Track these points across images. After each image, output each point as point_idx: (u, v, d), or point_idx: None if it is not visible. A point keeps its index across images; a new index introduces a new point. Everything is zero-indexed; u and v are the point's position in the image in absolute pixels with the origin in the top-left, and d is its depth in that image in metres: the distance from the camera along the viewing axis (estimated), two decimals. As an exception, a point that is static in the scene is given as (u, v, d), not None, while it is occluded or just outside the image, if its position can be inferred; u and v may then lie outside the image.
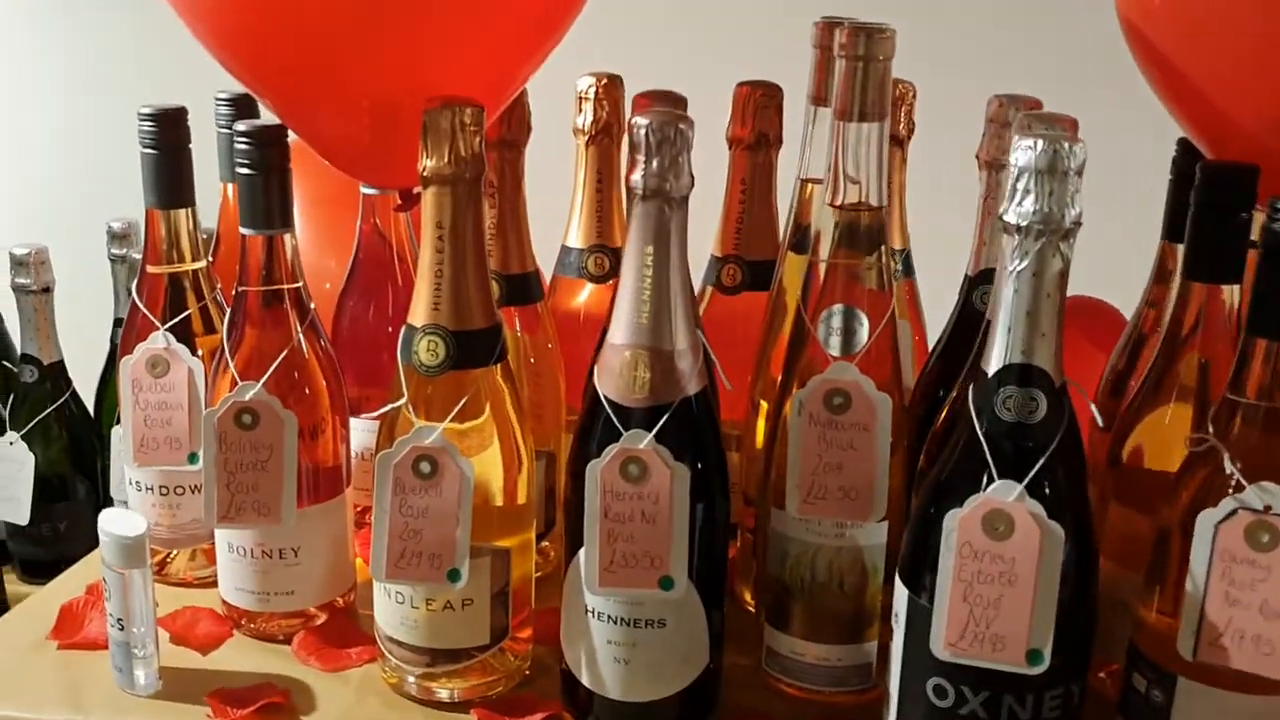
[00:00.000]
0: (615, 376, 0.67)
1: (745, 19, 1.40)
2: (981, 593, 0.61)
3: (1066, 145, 0.56)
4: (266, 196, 0.75)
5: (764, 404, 0.80)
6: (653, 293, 0.66)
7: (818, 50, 0.78)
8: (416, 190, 0.78)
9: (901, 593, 0.65)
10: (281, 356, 0.76)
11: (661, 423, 0.66)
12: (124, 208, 1.33)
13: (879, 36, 0.67)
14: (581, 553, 0.68)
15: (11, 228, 1.38)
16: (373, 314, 0.91)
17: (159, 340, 0.82)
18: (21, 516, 1.22)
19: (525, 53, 0.75)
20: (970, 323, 0.78)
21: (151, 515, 0.85)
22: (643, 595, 0.68)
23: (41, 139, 1.81)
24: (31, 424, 1.23)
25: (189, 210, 0.83)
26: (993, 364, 0.61)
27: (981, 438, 0.61)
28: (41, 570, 1.26)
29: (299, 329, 0.77)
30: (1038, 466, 0.59)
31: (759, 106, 0.84)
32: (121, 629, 0.74)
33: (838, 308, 0.70)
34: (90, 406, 1.32)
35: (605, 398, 0.68)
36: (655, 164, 0.64)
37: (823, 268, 0.71)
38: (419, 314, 0.70)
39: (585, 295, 0.91)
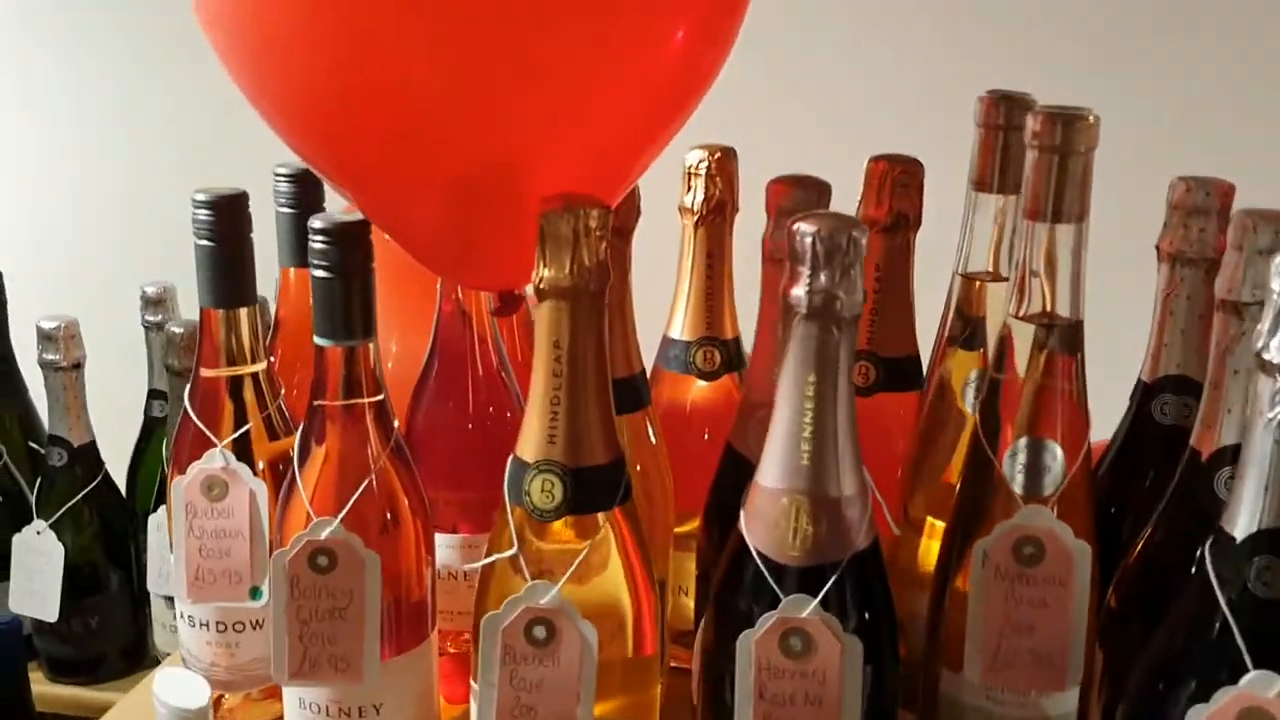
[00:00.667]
0: (770, 527, 0.57)
1: (853, 85, 1.30)
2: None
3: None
4: (347, 303, 0.64)
5: (931, 520, 0.70)
6: (815, 429, 0.55)
7: (981, 129, 0.67)
8: (518, 292, 0.68)
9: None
10: (363, 487, 0.66)
11: (829, 586, 0.56)
12: (155, 270, 1.24)
13: (1080, 124, 0.56)
14: (726, 735, 0.58)
15: (37, 294, 1.28)
16: (453, 409, 0.80)
17: (216, 459, 0.72)
18: (50, 613, 1.12)
19: (649, 138, 0.64)
20: (1147, 436, 0.68)
21: (206, 654, 0.75)
22: (803, 789, 0.57)
23: (65, 200, 1.71)
24: (61, 512, 1.13)
25: (251, 308, 0.73)
26: (1240, 527, 0.50)
27: (1228, 614, 0.50)
28: (72, 669, 1.16)
29: (383, 452, 0.67)
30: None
31: (897, 184, 0.73)
32: (178, 808, 0.63)
33: (1029, 440, 0.59)
34: (122, 486, 1.22)
35: (757, 551, 0.57)
36: (824, 278, 0.53)
37: (1008, 387, 0.60)
38: (530, 447, 0.59)
39: (693, 393, 0.81)
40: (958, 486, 0.63)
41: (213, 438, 0.72)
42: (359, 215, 0.64)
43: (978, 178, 0.68)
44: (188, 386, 0.74)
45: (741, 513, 0.59)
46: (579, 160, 0.61)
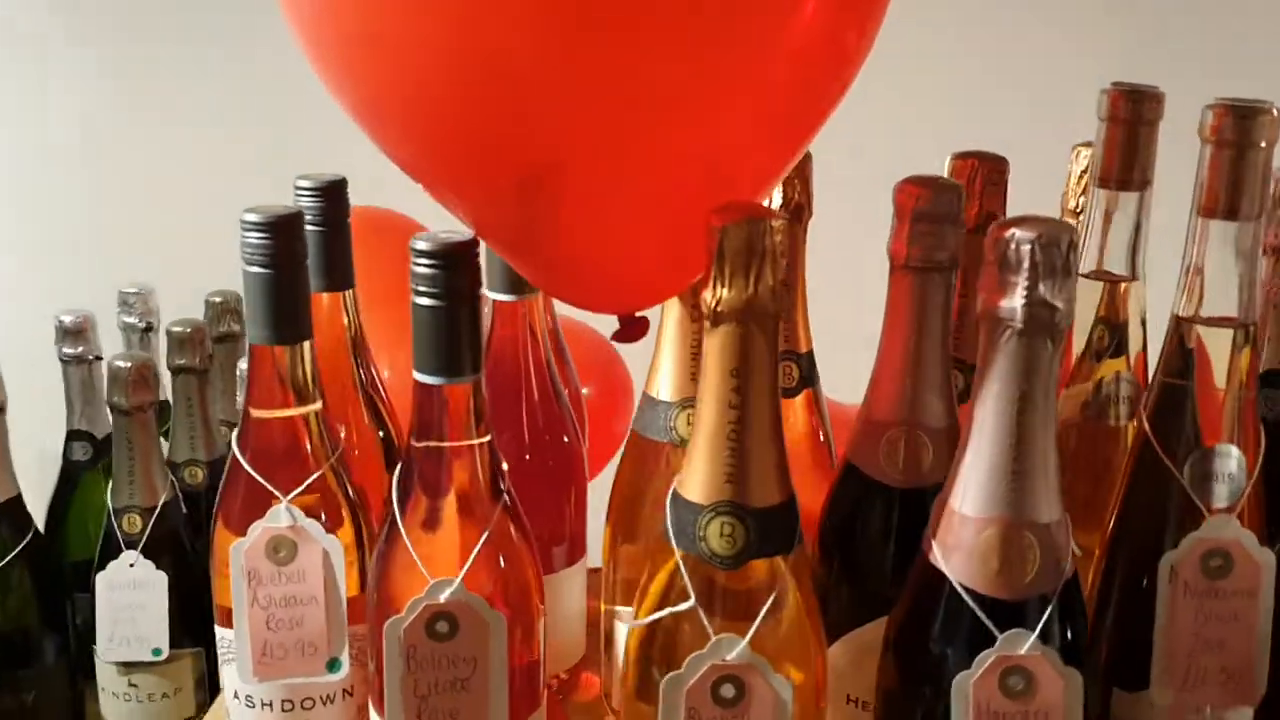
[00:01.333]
0: (977, 559, 0.52)
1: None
2: None
3: None
4: (457, 334, 0.57)
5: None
6: (1026, 453, 0.52)
7: (1107, 123, 0.65)
8: (640, 315, 0.62)
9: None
10: (483, 539, 0.58)
11: (1044, 619, 0.52)
12: (72, 297, 1.11)
13: (1263, 118, 0.54)
14: (934, 785, 0.53)
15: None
16: (510, 439, 0.73)
17: (282, 517, 0.63)
18: (-17, 688, 0.99)
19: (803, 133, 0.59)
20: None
21: (270, 737, 0.66)
22: (1025, 837, 0.53)
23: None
24: (-12, 573, 1.00)
25: (311, 340, 0.64)
26: None
27: None
28: (6, 751, 1.02)
29: (497, 499, 0.60)
30: None
31: (987, 183, 0.71)
32: None
33: (1215, 448, 0.57)
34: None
35: (961, 585, 0.53)
36: (1043, 288, 0.49)
37: (1183, 393, 0.58)
38: (701, 487, 0.53)
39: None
40: (1121, 500, 0.61)
41: (274, 491, 0.63)
42: (465, 234, 0.57)
43: (1102, 174, 0.66)
44: (235, 433, 0.65)
45: (934, 545, 0.54)
46: (738, 156, 0.55)
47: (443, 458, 0.59)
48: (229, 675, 0.66)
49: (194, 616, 1.05)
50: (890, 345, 0.66)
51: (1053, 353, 0.51)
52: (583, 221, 0.54)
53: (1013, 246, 0.50)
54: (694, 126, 0.53)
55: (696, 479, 0.53)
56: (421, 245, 0.56)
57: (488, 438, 0.60)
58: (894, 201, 0.61)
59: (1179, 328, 0.58)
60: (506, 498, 0.60)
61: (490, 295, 0.73)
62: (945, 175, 0.77)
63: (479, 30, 0.49)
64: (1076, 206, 0.76)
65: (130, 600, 1.01)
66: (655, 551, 0.56)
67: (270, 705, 0.65)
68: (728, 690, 0.53)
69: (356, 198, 0.73)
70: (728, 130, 0.55)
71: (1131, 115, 0.64)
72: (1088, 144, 0.75)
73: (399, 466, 0.60)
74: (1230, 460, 0.57)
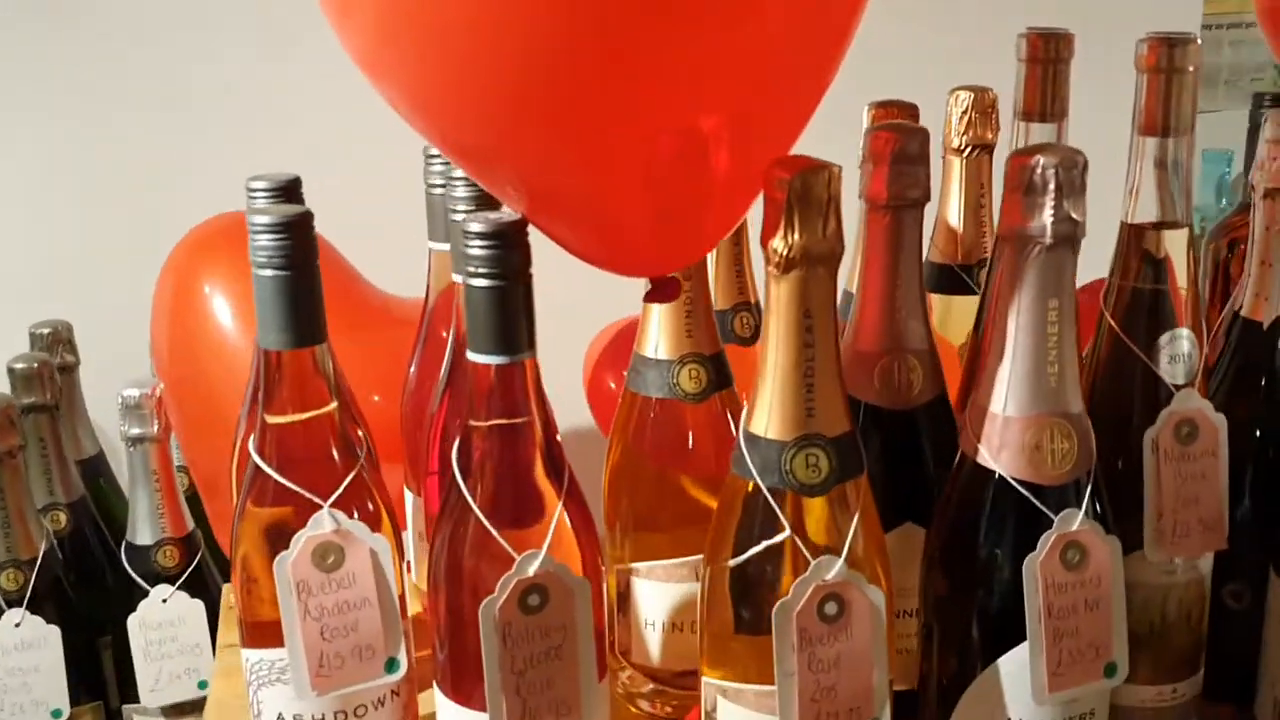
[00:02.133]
0: (1029, 452, 0.59)
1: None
2: None
3: None
4: (515, 311, 0.57)
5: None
6: (1060, 353, 0.58)
7: (1026, 64, 0.73)
8: (673, 276, 0.64)
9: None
10: (557, 512, 0.59)
11: (1087, 496, 0.59)
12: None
13: (1191, 47, 0.63)
14: (1007, 662, 0.60)
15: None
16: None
17: (325, 522, 0.61)
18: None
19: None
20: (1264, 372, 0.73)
21: (323, 753, 0.64)
22: (1089, 689, 0.60)
23: None
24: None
25: (328, 344, 0.62)
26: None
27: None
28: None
29: (564, 468, 0.61)
30: None
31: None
32: None
33: (1179, 332, 0.66)
34: None
35: (1014, 479, 0.59)
36: (1067, 205, 0.56)
37: (1138, 291, 0.67)
38: (782, 423, 0.56)
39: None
40: (1091, 387, 0.69)
41: (312, 498, 0.61)
42: (514, 215, 0.57)
43: (1025, 108, 0.74)
44: (253, 445, 0.62)
45: (980, 448, 0.60)
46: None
47: (511, 433, 0.59)
48: (271, 699, 0.64)
49: (90, 670, 0.99)
50: (872, 280, 0.71)
51: (1074, 262, 0.58)
52: (642, 183, 0.56)
53: (1038, 171, 0.56)
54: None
55: (776, 417, 0.57)
56: (476, 227, 0.56)
57: (547, 409, 0.61)
58: (869, 148, 0.67)
59: (1130, 234, 0.66)
60: (566, 467, 0.61)
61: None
62: (866, 122, 0.84)
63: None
64: (959, 145, 0.84)
65: (19, 664, 0.93)
66: (729, 494, 0.59)
67: (323, 719, 0.64)
68: (831, 608, 0.57)
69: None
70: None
71: (1047, 55, 0.72)
72: (966, 88, 0.84)
73: (457, 447, 0.60)
74: (1186, 342, 0.66)
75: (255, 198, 0.69)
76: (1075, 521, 0.59)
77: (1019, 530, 0.59)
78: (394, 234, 0.87)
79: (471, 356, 0.58)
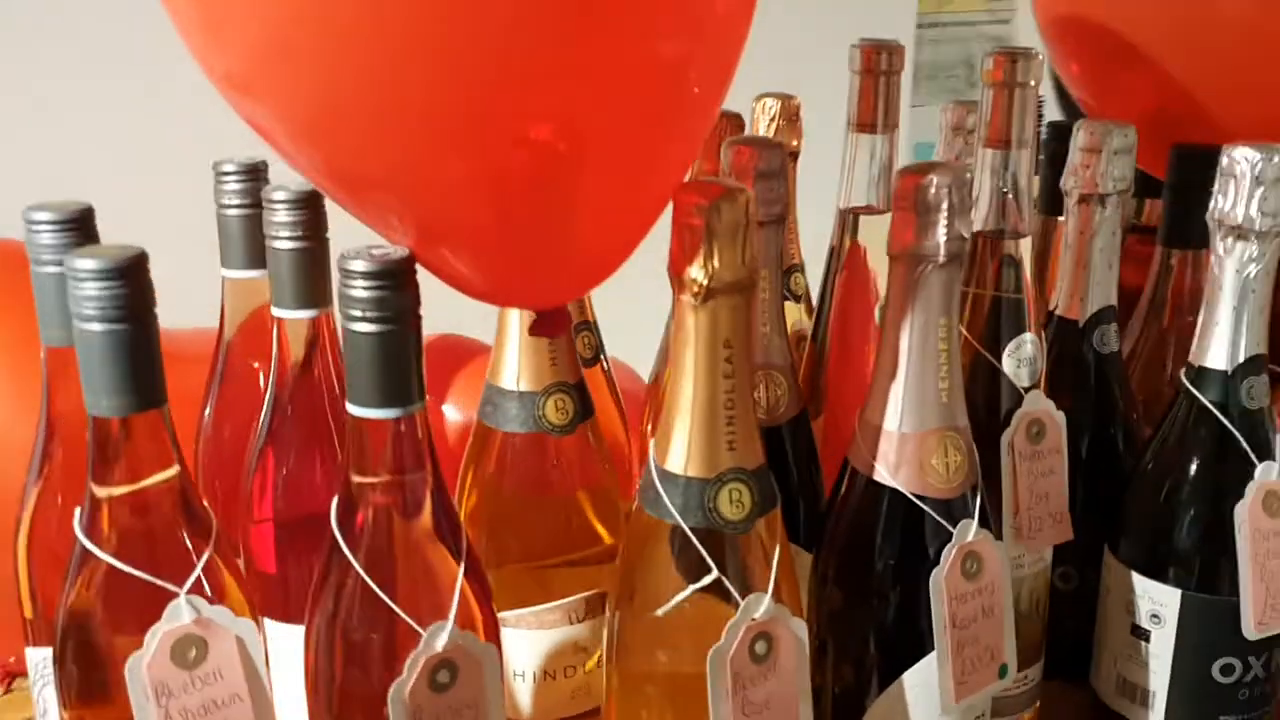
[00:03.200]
0: (924, 468, 0.59)
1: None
2: (1273, 569, 0.66)
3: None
4: (404, 357, 0.51)
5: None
6: (949, 368, 0.59)
7: (860, 75, 0.73)
8: (563, 307, 0.60)
9: (1167, 593, 0.68)
10: (460, 576, 0.54)
11: (978, 505, 0.60)
12: None
13: (1033, 61, 0.66)
14: (912, 675, 0.60)
15: None
16: (311, 476, 0.67)
17: (183, 613, 0.52)
18: None
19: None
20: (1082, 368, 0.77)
21: None
22: (989, 692, 0.62)
23: None
24: None
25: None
26: (1225, 360, 0.66)
27: (1234, 431, 0.66)
28: None
29: (459, 524, 0.55)
30: (1297, 442, 0.66)
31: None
32: None
33: (1025, 337, 0.69)
34: None
35: (914, 495, 0.59)
36: (958, 224, 0.57)
37: (981, 298, 0.69)
38: (701, 461, 0.54)
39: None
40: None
41: (167, 586, 0.52)
42: (396, 250, 0.51)
43: (858, 120, 0.74)
44: (79, 526, 0.52)
45: (876, 465, 0.60)
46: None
47: (403, 491, 0.53)
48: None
49: None
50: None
51: (960, 280, 0.59)
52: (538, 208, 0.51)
53: (932, 191, 0.56)
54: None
55: (696, 453, 0.54)
56: (360, 265, 0.49)
57: (437, 461, 0.55)
58: (731, 164, 0.65)
59: (981, 244, 0.68)
60: (460, 524, 0.56)
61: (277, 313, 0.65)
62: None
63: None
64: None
65: None
66: (640, 534, 0.56)
67: (188, 834, 0.55)
68: (761, 646, 0.55)
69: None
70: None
71: (878, 67, 0.73)
72: (773, 95, 0.84)
73: (337, 508, 0.53)
74: (1030, 346, 0.69)
75: (39, 232, 0.59)
76: (970, 532, 0.60)
77: (920, 544, 0.60)
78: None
79: (357, 411, 0.52)
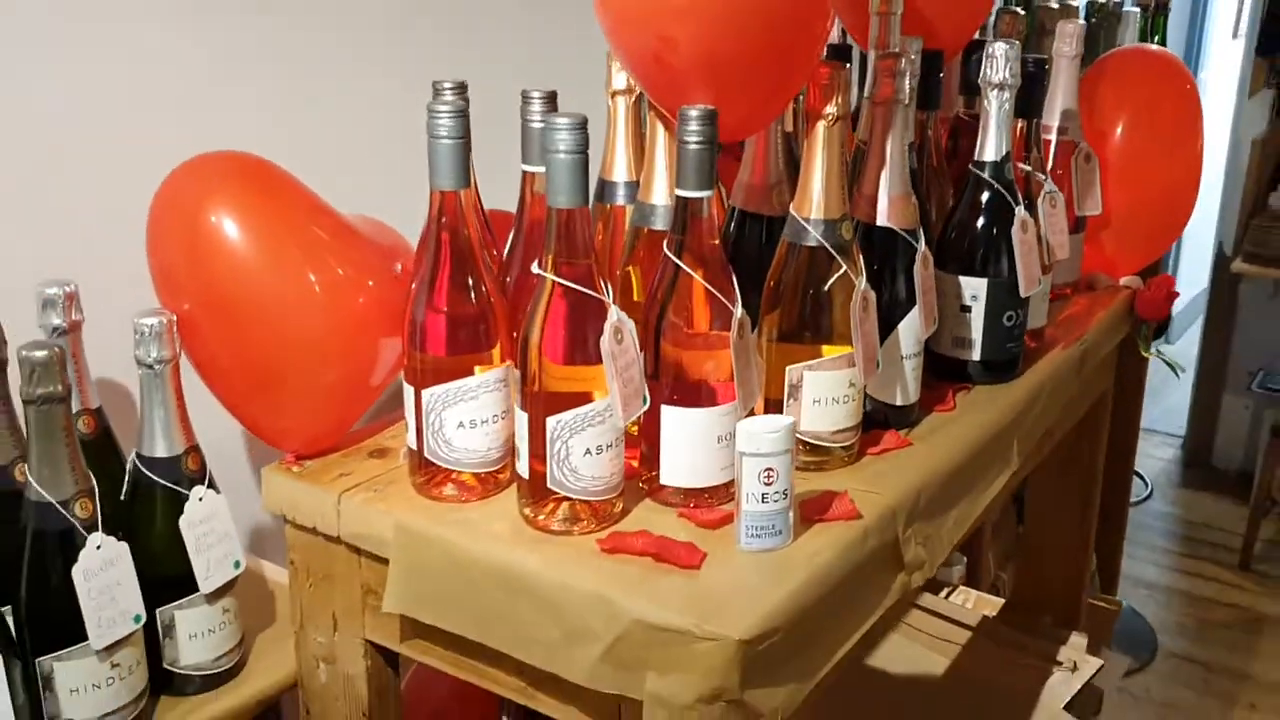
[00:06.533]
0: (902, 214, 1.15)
1: None
2: (1030, 259, 1.29)
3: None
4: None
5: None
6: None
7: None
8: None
9: (979, 282, 1.29)
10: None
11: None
12: None
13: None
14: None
15: None
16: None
17: (613, 314, 0.95)
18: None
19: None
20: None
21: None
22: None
23: None
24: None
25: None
26: (990, 153, 1.28)
27: (1003, 190, 1.28)
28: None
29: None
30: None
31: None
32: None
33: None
34: None
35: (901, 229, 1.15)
36: (912, 80, 1.12)
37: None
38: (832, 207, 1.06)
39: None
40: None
41: (606, 301, 0.95)
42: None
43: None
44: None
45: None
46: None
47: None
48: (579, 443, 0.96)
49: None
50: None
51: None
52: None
53: (899, 63, 1.11)
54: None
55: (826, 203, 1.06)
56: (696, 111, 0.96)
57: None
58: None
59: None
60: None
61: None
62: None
63: None
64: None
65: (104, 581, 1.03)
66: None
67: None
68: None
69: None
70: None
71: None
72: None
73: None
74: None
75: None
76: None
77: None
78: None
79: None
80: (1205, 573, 3.36)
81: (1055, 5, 2.10)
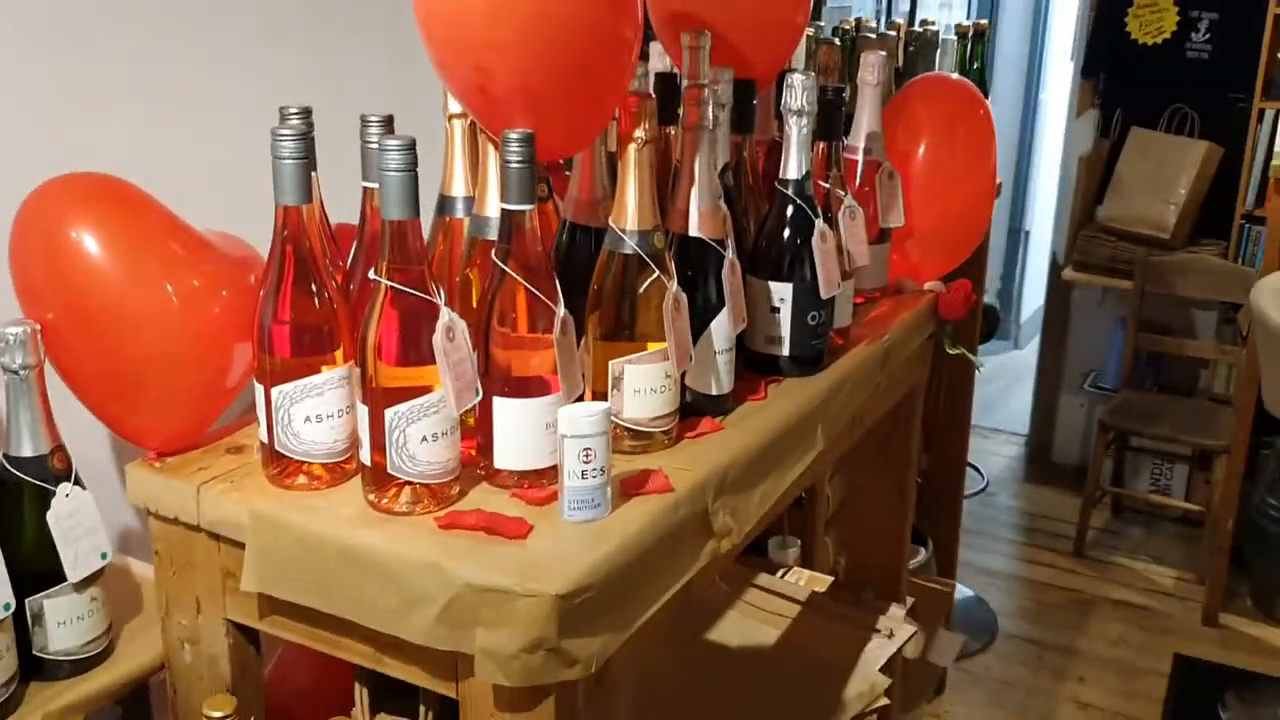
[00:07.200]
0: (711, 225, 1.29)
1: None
2: (831, 265, 1.45)
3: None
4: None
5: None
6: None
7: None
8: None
9: (785, 287, 1.44)
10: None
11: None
12: None
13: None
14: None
15: None
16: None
17: (446, 314, 1.07)
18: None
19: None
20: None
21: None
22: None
23: None
24: None
25: (417, 214, 1.07)
26: (793, 171, 1.43)
27: (804, 205, 1.43)
28: None
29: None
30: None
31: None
32: (584, 482, 1.08)
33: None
34: None
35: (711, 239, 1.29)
36: (716, 107, 1.27)
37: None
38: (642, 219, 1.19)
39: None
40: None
41: (438, 300, 1.07)
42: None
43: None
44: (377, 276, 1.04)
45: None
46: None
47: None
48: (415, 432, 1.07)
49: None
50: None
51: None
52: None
53: (702, 93, 1.25)
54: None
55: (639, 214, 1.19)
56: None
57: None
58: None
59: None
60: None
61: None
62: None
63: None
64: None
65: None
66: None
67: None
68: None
69: None
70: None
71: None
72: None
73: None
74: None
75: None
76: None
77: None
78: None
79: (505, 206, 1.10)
80: (1042, 560, 3.60)
81: (873, 35, 2.30)
